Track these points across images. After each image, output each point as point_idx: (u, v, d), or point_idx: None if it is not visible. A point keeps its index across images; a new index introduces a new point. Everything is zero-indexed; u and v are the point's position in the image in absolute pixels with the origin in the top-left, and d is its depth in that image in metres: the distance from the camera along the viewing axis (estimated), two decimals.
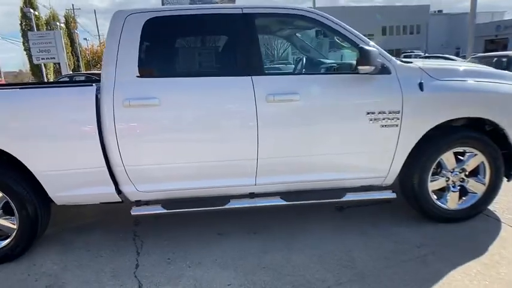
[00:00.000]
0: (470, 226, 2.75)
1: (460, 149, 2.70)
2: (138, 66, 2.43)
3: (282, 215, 3.02)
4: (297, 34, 3.15)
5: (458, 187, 2.80)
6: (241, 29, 2.52)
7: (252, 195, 2.74)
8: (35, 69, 30.87)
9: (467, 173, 2.78)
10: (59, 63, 28.62)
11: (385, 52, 2.64)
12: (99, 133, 2.39)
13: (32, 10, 32.05)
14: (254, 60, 2.51)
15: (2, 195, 2.45)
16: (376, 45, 2.60)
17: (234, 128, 2.51)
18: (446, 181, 2.77)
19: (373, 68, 2.37)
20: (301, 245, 2.59)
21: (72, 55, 50.37)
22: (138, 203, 2.68)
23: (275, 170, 2.62)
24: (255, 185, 2.64)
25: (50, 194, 2.51)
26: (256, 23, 2.54)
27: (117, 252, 2.64)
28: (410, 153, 2.65)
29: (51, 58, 29.67)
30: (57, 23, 41.63)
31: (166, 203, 2.64)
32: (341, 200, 2.68)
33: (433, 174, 2.77)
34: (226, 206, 2.62)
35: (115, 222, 3.15)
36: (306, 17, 2.60)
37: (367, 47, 2.34)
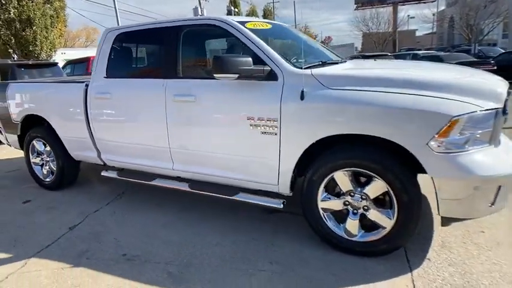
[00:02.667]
0: (357, 264, 2.32)
1: (360, 170, 2.29)
2: (106, 70, 3.34)
3: (216, 203, 3.33)
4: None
5: (360, 215, 2.38)
6: (164, 39, 3.01)
7: (179, 179, 3.24)
8: None
9: (373, 200, 2.33)
10: None
11: (279, 58, 2.51)
12: (85, 115, 3.49)
13: (233, 8, 38.78)
14: (170, 66, 2.96)
15: (50, 149, 3.97)
16: (270, 52, 2.53)
17: (154, 120, 3.06)
18: (346, 204, 2.41)
19: (235, 75, 2.39)
20: (190, 229, 2.93)
21: None
22: (114, 168, 3.68)
23: (183, 160, 3.02)
24: (173, 169, 3.13)
25: (69, 152, 3.84)
26: (177, 34, 2.94)
27: (98, 200, 3.73)
28: (299, 165, 2.48)
29: None
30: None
31: (121, 171, 3.53)
32: (233, 198, 2.81)
33: (337, 194, 2.47)
34: (152, 182, 3.26)
35: (124, 183, 4.22)
36: (216, 26, 2.78)
37: (220, 56, 2.38)
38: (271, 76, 2.48)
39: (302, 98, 2.33)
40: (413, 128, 2.06)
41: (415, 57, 15.09)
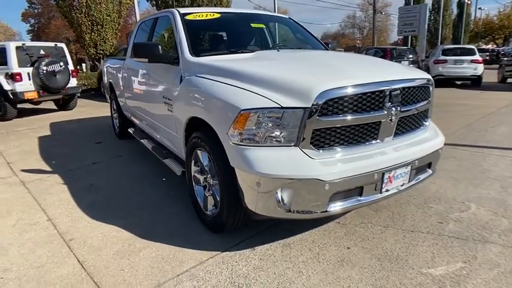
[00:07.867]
0: (199, 234, 2.59)
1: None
2: (131, 51, 4.44)
3: None
4: None
5: (213, 191, 2.60)
6: (150, 27, 3.81)
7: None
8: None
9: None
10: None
11: (185, 46, 2.89)
12: (121, 84, 4.76)
13: None
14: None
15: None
16: (182, 40, 2.94)
17: (139, 91, 3.96)
18: (205, 179, 2.67)
19: (145, 59, 2.94)
20: (142, 181, 3.75)
21: (456, 27, 48.55)
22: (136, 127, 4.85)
23: (150, 125, 3.83)
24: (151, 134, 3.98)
25: (123, 111, 5.25)
26: (153, 24, 3.69)
27: (132, 150, 5.01)
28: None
29: (412, 31, 31.65)
30: None
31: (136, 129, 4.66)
32: (164, 160, 3.43)
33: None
34: (141, 140, 4.22)
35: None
36: (168, 17, 3.36)
37: (136, 43, 2.97)
38: (177, 62, 2.92)
39: (180, 82, 2.71)
40: (220, 116, 2.18)
41: None
